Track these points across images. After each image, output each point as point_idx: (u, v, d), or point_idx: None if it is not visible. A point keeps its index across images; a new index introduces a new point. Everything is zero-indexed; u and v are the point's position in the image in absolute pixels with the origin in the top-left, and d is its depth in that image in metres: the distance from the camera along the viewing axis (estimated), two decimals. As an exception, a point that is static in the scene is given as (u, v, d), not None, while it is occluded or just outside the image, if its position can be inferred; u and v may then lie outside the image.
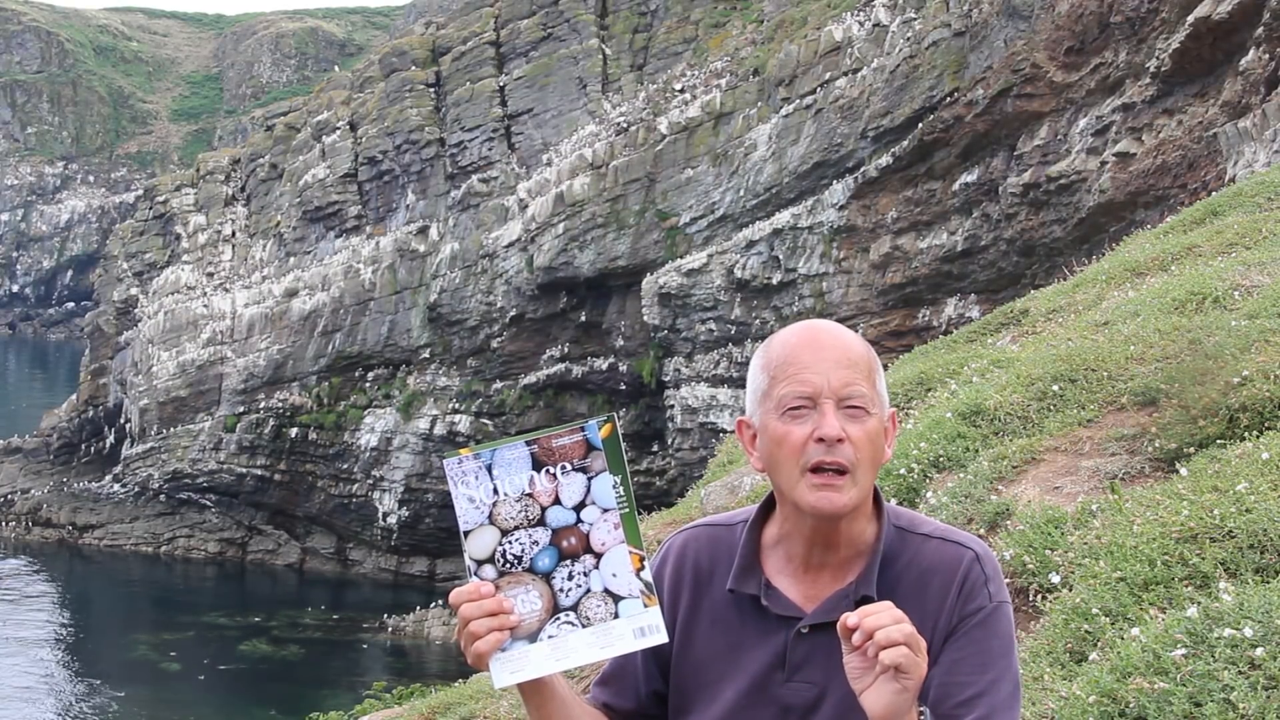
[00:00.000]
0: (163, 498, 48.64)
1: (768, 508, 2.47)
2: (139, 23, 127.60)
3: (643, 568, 2.25)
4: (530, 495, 2.24)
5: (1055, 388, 7.46)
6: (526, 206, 42.30)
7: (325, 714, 13.08)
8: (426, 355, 45.02)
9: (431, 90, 47.49)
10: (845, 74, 34.73)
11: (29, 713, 31.25)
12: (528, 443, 2.25)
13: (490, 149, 45.21)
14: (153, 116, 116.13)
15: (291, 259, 48.85)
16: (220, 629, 38.88)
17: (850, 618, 2.11)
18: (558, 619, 2.24)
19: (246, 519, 47.71)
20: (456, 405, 44.25)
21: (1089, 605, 4.66)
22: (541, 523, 2.25)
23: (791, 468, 2.30)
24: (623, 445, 2.26)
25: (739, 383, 36.56)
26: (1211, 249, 10.55)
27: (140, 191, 73.21)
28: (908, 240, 32.98)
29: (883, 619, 2.08)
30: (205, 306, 48.76)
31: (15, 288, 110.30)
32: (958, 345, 11.95)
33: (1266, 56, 21.79)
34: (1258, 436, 5.71)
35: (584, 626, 2.24)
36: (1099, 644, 4.44)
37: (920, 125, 31.94)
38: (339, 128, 49.30)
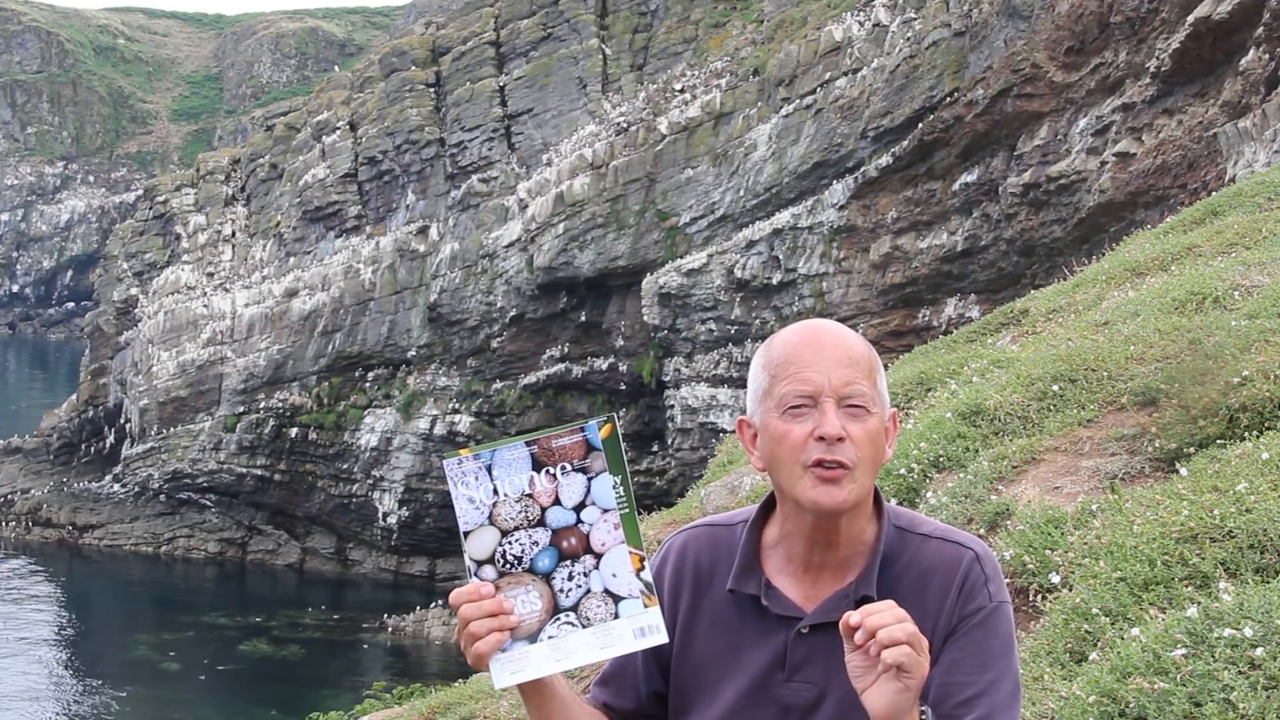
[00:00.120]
0: (163, 498, 48.65)
1: (768, 508, 2.47)
2: (139, 23, 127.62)
3: (643, 568, 2.25)
4: (530, 496, 2.24)
5: (1055, 388, 7.46)
6: (526, 206, 42.31)
7: (325, 714, 13.08)
8: (426, 355, 45.02)
9: (431, 90, 47.50)
10: (845, 74, 34.73)
11: (29, 713, 31.24)
12: (528, 443, 2.25)
13: (490, 149, 45.22)
14: (153, 116, 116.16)
15: (291, 259, 48.86)
16: (220, 629, 38.88)
17: (853, 616, 2.11)
18: (558, 619, 2.24)
19: (246, 519, 47.71)
20: (456, 405, 44.26)
21: (1089, 605, 4.66)
22: (541, 523, 2.25)
23: (792, 466, 2.30)
24: (623, 445, 2.26)
25: (739, 383, 36.56)
26: (1211, 249, 10.55)
27: (140, 191, 73.21)
28: (908, 240, 32.98)
29: (885, 618, 2.08)
30: (205, 306, 48.77)
31: (15, 288, 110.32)
32: (958, 345, 11.95)
33: (1266, 56, 21.79)
34: (1258, 436, 5.71)
35: (584, 627, 2.24)
36: (1099, 644, 4.44)
37: (920, 125, 31.94)
38: (339, 128, 49.31)
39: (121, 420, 51.87)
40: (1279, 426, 5.89)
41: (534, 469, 2.24)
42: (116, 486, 50.36)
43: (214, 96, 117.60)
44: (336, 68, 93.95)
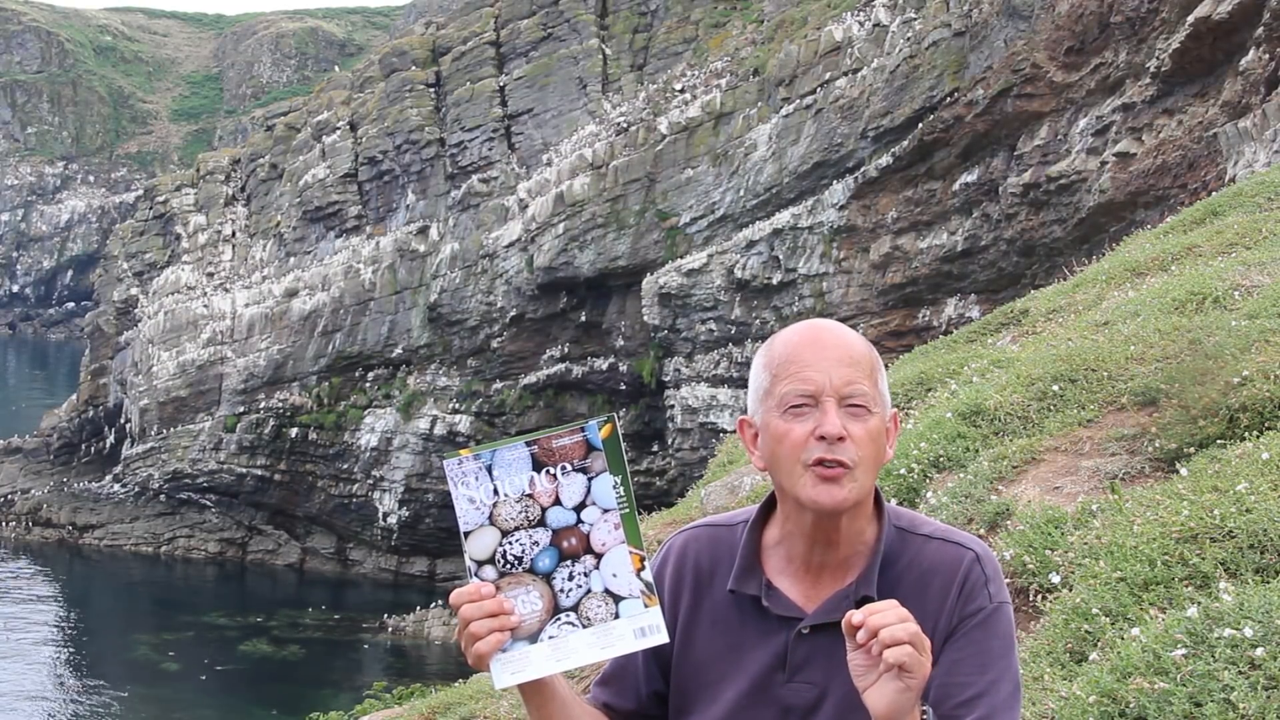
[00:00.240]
0: (163, 498, 48.65)
1: (768, 508, 2.47)
2: (139, 23, 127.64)
3: (643, 568, 2.25)
4: (530, 496, 2.24)
5: (1055, 388, 7.46)
6: (526, 206, 42.31)
7: (325, 714, 13.08)
8: (426, 355, 45.02)
9: (431, 90, 47.50)
10: (845, 74, 34.74)
11: (30, 713, 31.25)
12: (528, 443, 2.25)
13: (490, 149, 45.22)
14: (153, 116, 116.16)
15: (291, 259, 48.86)
16: (220, 629, 38.89)
17: (855, 616, 2.11)
18: (558, 619, 2.24)
19: (246, 519, 47.71)
20: (456, 405, 44.26)
21: (1089, 605, 4.66)
22: (542, 523, 2.24)
23: (793, 465, 2.30)
24: (623, 446, 2.26)
25: (739, 383, 36.56)
26: (1211, 249, 10.55)
27: (140, 191, 73.24)
28: (908, 240, 32.99)
29: (888, 617, 2.08)
30: (205, 306, 48.77)
31: (15, 288, 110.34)
32: (958, 345, 11.95)
33: (1266, 56, 21.79)
34: (1258, 436, 5.71)
35: (584, 627, 2.23)
36: (1099, 644, 4.44)
37: (920, 125, 31.94)
38: (339, 128, 49.31)
39: (121, 420, 51.88)
40: (1279, 426, 5.89)
41: (534, 469, 2.24)
42: (116, 486, 50.37)
43: (214, 96, 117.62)
44: (336, 68, 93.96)
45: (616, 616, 2.24)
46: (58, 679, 34.55)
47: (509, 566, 2.24)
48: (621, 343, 40.94)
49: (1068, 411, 7.14)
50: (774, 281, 35.95)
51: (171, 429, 48.39)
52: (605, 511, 2.25)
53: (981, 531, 6.04)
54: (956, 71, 31.45)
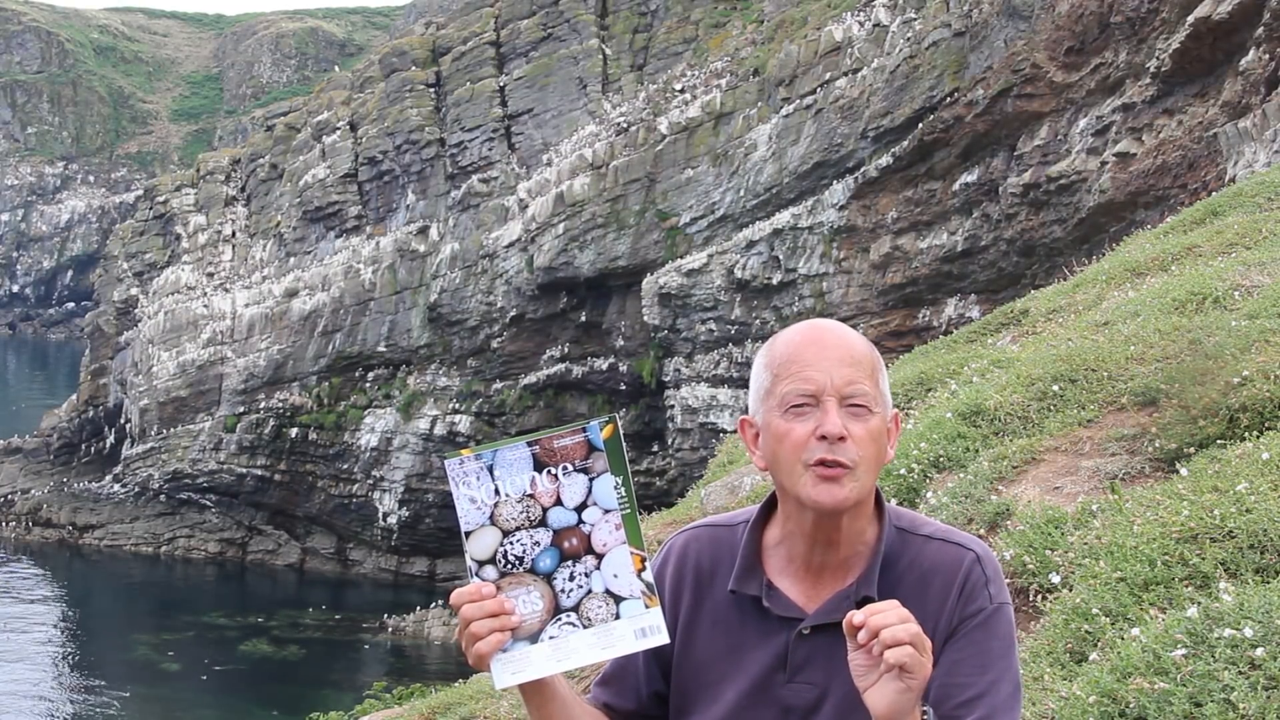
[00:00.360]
0: (163, 498, 48.66)
1: (769, 508, 2.47)
2: (139, 23, 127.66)
3: (644, 568, 2.25)
4: (532, 496, 2.24)
5: (1055, 388, 7.46)
6: (526, 206, 42.31)
7: (325, 714, 13.09)
8: (426, 355, 45.02)
9: (431, 90, 47.51)
10: (845, 74, 34.73)
11: (30, 713, 31.25)
12: (529, 443, 2.25)
13: (490, 149, 45.22)
14: (153, 116, 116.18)
15: (291, 259, 48.87)
16: (220, 629, 38.89)
17: (856, 616, 2.11)
18: (559, 620, 2.24)
19: (246, 519, 47.72)
20: (457, 405, 44.26)
21: (1089, 605, 4.66)
22: (543, 523, 2.25)
23: (793, 465, 2.30)
24: (624, 446, 2.26)
25: (739, 383, 36.56)
26: (1211, 249, 10.55)
27: (140, 191, 73.26)
28: (908, 240, 32.99)
29: (889, 618, 2.08)
30: (205, 306, 48.77)
31: (15, 288, 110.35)
32: (958, 345, 11.95)
33: (1266, 56, 21.79)
34: (1258, 436, 5.71)
35: (585, 627, 2.23)
36: (1099, 644, 4.44)
37: (920, 125, 31.94)
38: (339, 128, 49.32)
39: (121, 420, 51.88)
40: (1279, 426, 5.89)
41: (535, 469, 2.24)
42: (116, 486, 50.37)
43: (214, 96, 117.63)
44: (336, 68, 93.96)
45: (617, 617, 2.24)
46: (58, 679, 34.56)
47: (510, 566, 2.25)
48: (621, 343, 40.94)
49: (1068, 411, 7.14)
50: (774, 281, 35.95)
51: (171, 429, 48.39)
52: (606, 512, 2.25)
53: (981, 531, 6.05)
54: (956, 71, 31.45)
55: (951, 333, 14.17)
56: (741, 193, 36.95)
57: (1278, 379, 6.22)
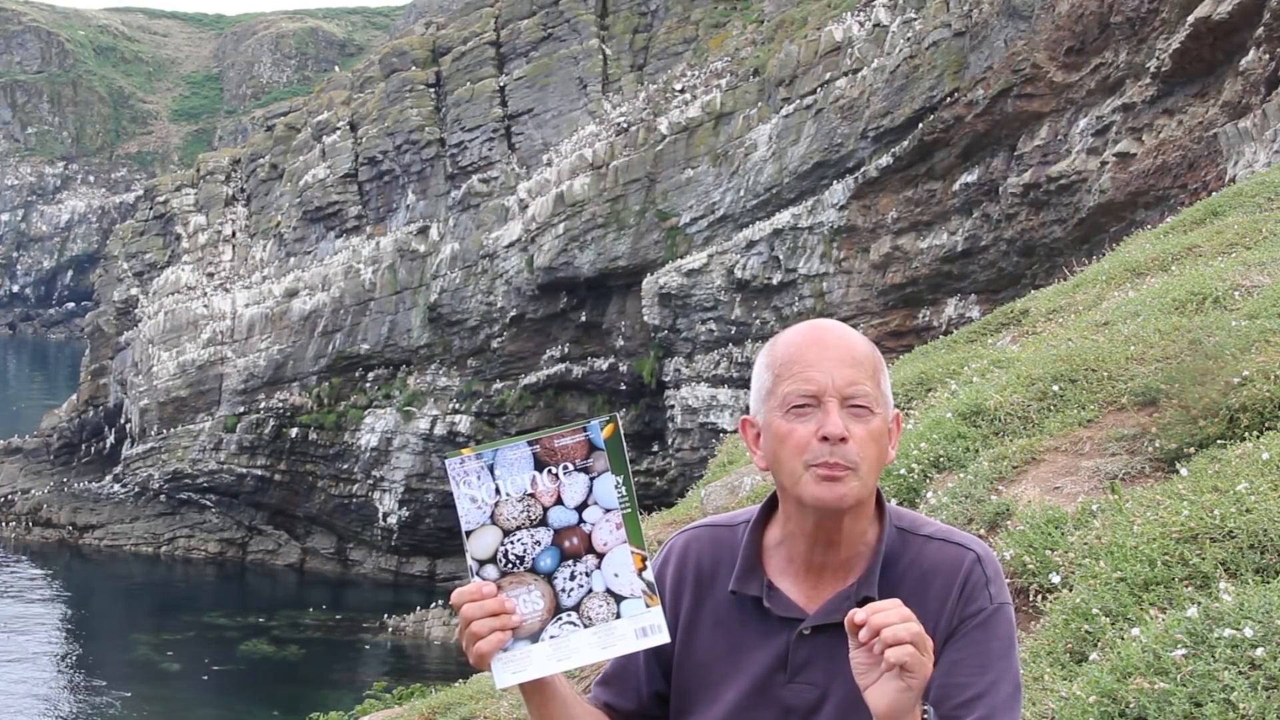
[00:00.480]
0: (163, 498, 48.66)
1: (770, 509, 2.47)
2: (139, 23, 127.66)
3: (645, 568, 2.25)
4: (532, 495, 2.24)
5: (1055, 388, 7.46)
6: (527, 206, 42.31)
7: (325, 714, 13.09)
8: (426, 355, 45.02)
9: (431, 90, 47.51)
10: (845, 74, 34.73)
11: (30, 713, 31.25)
12: (530, 443, 2.25)
13: (490, 149, 45.23)
14: (153, 116, 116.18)
15: (291, 259, 48.87)
16: (220, 629, 38.89)
17: (858, 614, 2.11)
18: (559, 619, 2.24)
19: (247, 519, 47.72)
20: (457, 405, 44.26)
21: (1089, 605, 4.66)
22: (544, 523, 2.25)
23: (795, 465, 2.30)
24: (625, 445, 2.26)
25: (739, 383, 36.56)
26: (1212, 249, 10.55)
27: (140, 191, 73.25)
28: (908, 240, 32.99)
29: (890, 617, 2.09)
30: (205, 306, 48.78)
31: (15, 288, 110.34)
32: (958, 345, 11.95)
33: (1266, 57, 21.80)
34: (1258, 437, 5.71)
35: (586, 627, 2.24)
36: (1099, 644, 4.44)
37: (920, 125, 31.94)
38: (339, 128, 49.32)
39: (121, 420, 51.88)
40: (1279, 426, 5.89)
41: (536, 469, 2.24)
42: (117, 486, 50.37)
43: (214, 96, 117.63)
44: (337, 68, 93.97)
45: (618, 616, 2.24)
46: (58, 679, 34.56)
47: (511, 566, 2.25)
48: (621, 343, 40.94)
49: (1068, 411, 7.14)
50: (774, 282, 35.95)
51: (171, 429, 48.39)
52: (607, 511, 2.25)
53: (982, 531, 6.05)
54: (956, 71, 31.45)
55: (951, 333, 14.17)
56: (741, 193, 36.95)
57: (1278, 379, 6.22)
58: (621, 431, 2.26)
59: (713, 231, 37.73)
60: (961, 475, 6.89)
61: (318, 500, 46.79)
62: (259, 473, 47.03)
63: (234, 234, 51.92)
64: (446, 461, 2.25)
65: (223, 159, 56.26)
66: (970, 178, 31.39)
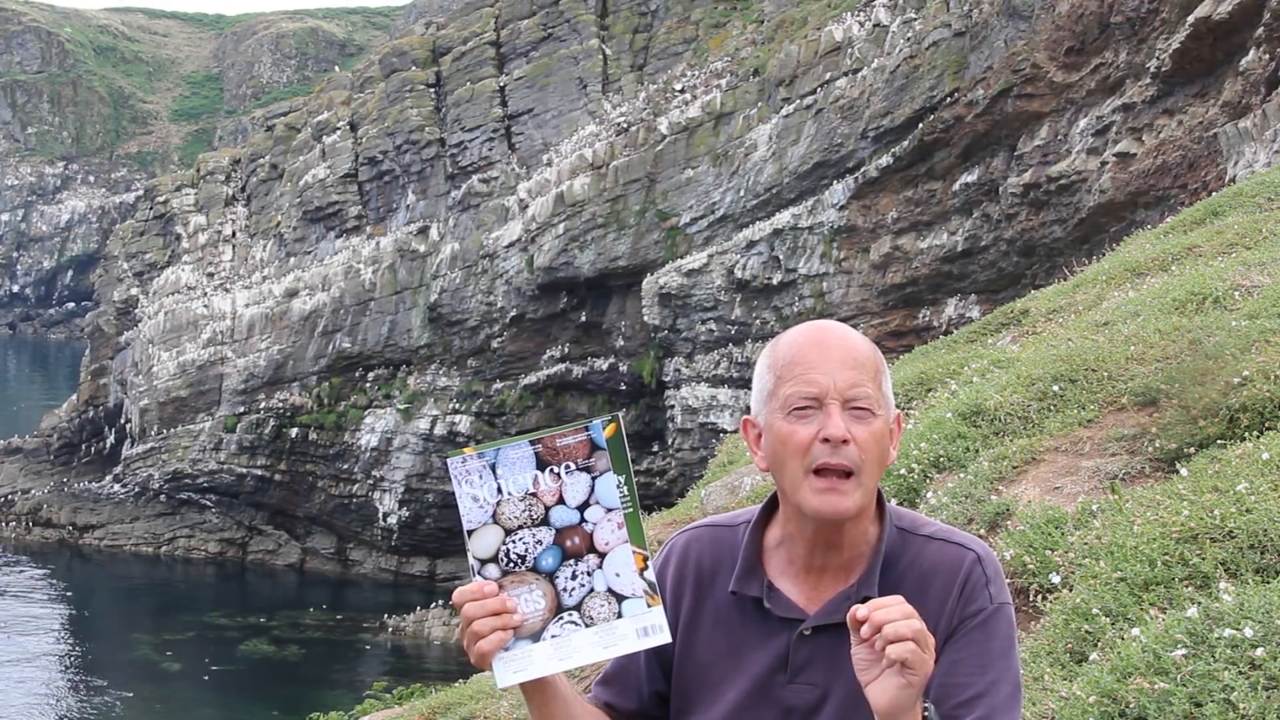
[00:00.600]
0: (163, 498, 48.65)
1: (770, 509, 2.47)
2: (139, 23, 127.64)
3: (646, 568, 2.26)
4: (534, 494, 2.25)
5: (1055, 388, 7.46)
6: (527, 207, 42.31)
7: (325, 714, 13.10)
8: (427, 355, 45.02)
9: (432, 90, 47.51)
10: (845, 74, 34.73)
11: (30, 713, 31.24)
12: (532, 442, 2.25)
13: (490, 149, 45.22)
14: (153, 117, 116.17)
15: (292, 259, 48.87)
16: (221, 629, 38.89)
17: (860, 610, 2.12)
18: (561, 618, 2.24)
19: (247, 519, 47.71)
20: (457, 405, 44.26)
21: (1089, 605, 4.66)
22: (545, 522, 2.25)
23: (796, 468, 2.31)
24: (627, 445, 2.26)
25: (739, 383, 36.57)
26: (1212, 249, 10.55)
27: (140, 191, 73.24)
28: (908, 240, 32.99)
29: (892, 613, 2.09)
30: (205, 307, 48.77)
31: (15, 288, 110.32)
32: (958, 345, 11.96)
33: (1266, 57, 21.80)
34: (1258, 437, 5.71)
35: (587, 626, 2.24)
36: (1099, 644, 4.45)
37: (920, 125, 31.94)
38: (339, 128, 49.31)
39: (122, 420, 51.87)
40: (1279, 426, 5.90)
41: (538, 468, 2.25)
42: (117, 487, 50.37)
43: (214, 97, 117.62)
44: (337, 68, 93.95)
45: (619, 616, 2.24)
46: (58, 679, 34.55)
47: (512, 565, 2.25)
48: (621, 343, 40.94)
49: (1068, 411, 7.14)
50: (774, 282, 35.95)
51: (171, 429, 48.39)
52: (609, 511, 2.25)
53: (982, 532, 6.05)
54: (957, 71, 31.45)
55: (951, 333, 14.18)
56: (741, 193, 36.95)
57: (1278, 379, 6.22)
58: (623, 431, 2.26)
59: (713, 231, 37.73)
60: (961, 475, 6.89)
61: (318, 500, 46.79)
62: (259, 473, 47.02)
63: (234, 234, 51.91)
64: (448, 460, 2.25)
65: (223, 159, 56.26)
66: (970, 178, 31.39)
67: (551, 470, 2.25)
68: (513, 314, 42.49)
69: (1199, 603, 4.16)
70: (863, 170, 33.79)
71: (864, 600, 2.30)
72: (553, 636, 2.24)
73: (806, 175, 35.19)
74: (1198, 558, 4.62)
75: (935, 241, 32.39)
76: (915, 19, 33.67)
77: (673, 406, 39.20)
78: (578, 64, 45.22)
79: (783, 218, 35.75)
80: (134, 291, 52.89)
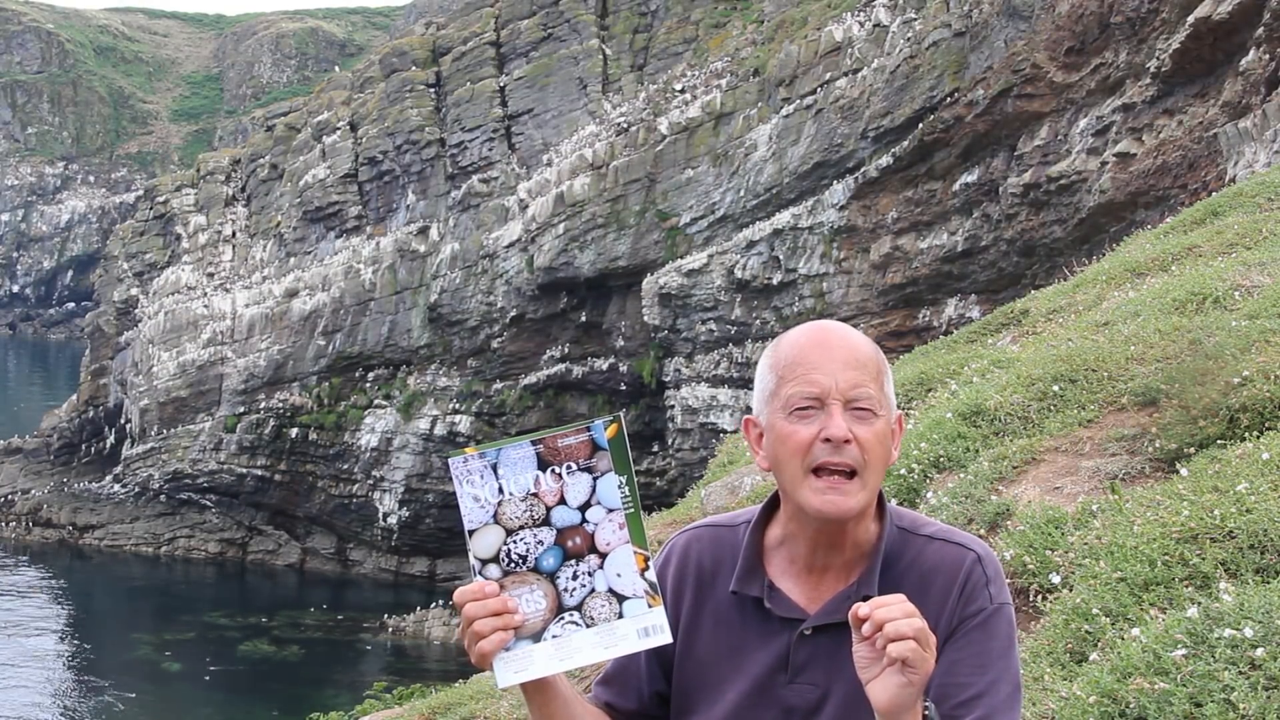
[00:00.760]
0: (163, 498, 48.65)
1: (770, 508, 2.47)
2: (139, 23, 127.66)
3: (647, 568, 2.26)
4: (535, 495, 2.25)
5: (1055, 388, 7.47)
6: (527, 207, 42.31)
7: (325, 714, 13.10)
8: (426, 355, 45.02)
9: (432, 90, 47.51)
10: (845, 74, 34.73)
11: (30, 714, 31.24)
12: (533, 442, 2.25)
13: (490, 149, 45.22)
14: (153, 117, 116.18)
15: (292, 259, 48.87)
16: (221, 629, 38.89)
17: (862, 608, 2.12)
18: (562, 619, 2.24)
19: (247, 519, 47.71)
20: (457, 405, 44.26)
21: (1089, 605, 4.67)
22: (546, 522, 2.25)
23: (797, 468, 2.31)
24: (629, 445, 2.26)
25: (739, 383, 36.57)
26: (1212, 249, 10.55)
27: (140, 192, 73.24)
28: (908, 240, 32.98)
29: (893, 611, 2.09)
30: (205, 307, 48.77)
31: (15, 288, 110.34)
32: (958, 345, 11.96)
33: (1266, 57, 21.80)
34: (1258, 437, 5.71)
35: (588, 626, 2.24)
36: (1099, 644, 4.45)
37: (920, 125, 31.94)
38: (339, 128, 49.31)
39: (122, 420, 51.88)
40: (1279, 427, 5.90)
41: (539, 468, 2.25)
42: (117, 487, 50.37)
43: (214, 97, 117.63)
44: (337, 68, 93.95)
45: (620, 616, 2.24)
46: (59, 680, 34.55)
47: (513, 565, 2.25)
48: (622, 343, 40.94)
49: (1068, 412, 7.14)
50: (774, 282, 35.95)
51: (172, 429, 48.39)
52: (610, 511, 2.25)
53: (982, 532, 6.05)
54: (956, 72, 31.45)
55: (952, 333, 14.18)
56: (741, 193, 36.95)
57: (1278, 379, 6.22)
58: (625, 431, 2.26)
59: (713, 231, 37.73)
60: (962, 475, 6.89)
61: (318, 500, 46.79)
62: (259, 473, 47.03)
63: (234, 234, 51.91)
64: (450, 460, 2.25)
65: (223, 159, 56.27)
66: (970, 178, 31.39)
67: (553, 470, 2.25)
68: (513, 314, 42.49)
69: (1199, 603, 4.16)
70: (863, 170, 33.79)
71: (865, 600, 2.30)
72: (554, 637, 2.24)
73: (806, 175, 35.19)
74: (1198, 558, 4.62)
75: (935, 241, 32.39)
76: (915, 19, 33.67)
77: (673, 406, 39.20)
78: (578, 64, 45.22)
79: (783, 218, 35.75)
80: (134, 291, 52.90)
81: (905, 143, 32.42)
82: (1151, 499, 5.38)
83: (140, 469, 49.17)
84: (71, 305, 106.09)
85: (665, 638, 2.25)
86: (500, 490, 2.24)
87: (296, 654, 36.96)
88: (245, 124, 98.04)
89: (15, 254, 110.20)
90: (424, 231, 45.70)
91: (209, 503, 48.13)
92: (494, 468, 2.25)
